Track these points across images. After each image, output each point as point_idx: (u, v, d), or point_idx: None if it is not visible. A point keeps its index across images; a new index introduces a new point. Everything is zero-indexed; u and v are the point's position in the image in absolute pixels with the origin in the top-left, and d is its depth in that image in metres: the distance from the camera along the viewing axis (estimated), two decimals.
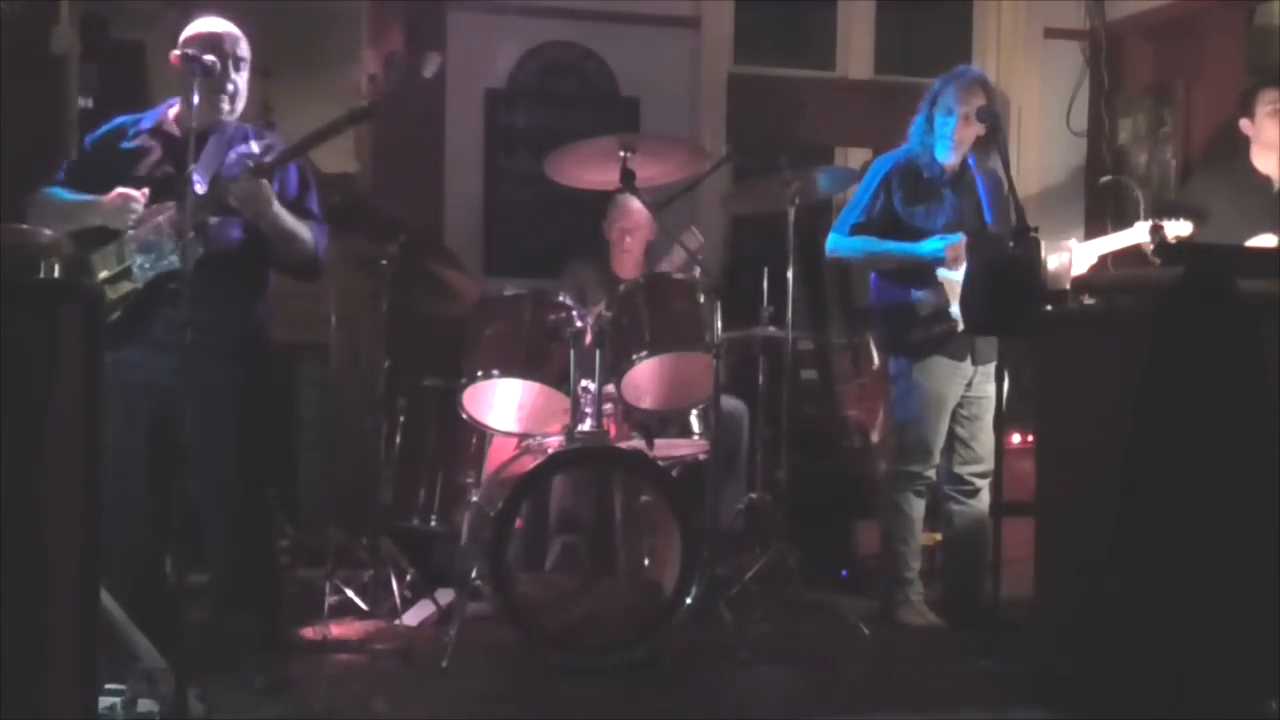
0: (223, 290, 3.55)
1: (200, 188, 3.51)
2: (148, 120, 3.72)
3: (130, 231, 3.53)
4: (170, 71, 3.58)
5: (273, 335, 3.82)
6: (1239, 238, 4.28)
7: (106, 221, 3.53)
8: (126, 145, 3.66)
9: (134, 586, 3.40)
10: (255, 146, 3.67)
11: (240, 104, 3.70)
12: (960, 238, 4.22)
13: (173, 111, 3.71)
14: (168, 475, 3.46)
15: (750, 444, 4.75)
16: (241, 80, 3.66)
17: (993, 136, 4.22)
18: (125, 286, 3.53)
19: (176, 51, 3.54)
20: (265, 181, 3.50)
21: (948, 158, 4.37)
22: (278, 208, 3.54)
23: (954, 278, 4.25)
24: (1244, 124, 4.66)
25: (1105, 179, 5.59)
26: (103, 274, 3.53)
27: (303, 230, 3.63)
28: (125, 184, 3.53)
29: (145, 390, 3.45)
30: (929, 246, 4.28)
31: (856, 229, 4.39)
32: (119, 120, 3.75)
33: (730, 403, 4.59)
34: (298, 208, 3.66)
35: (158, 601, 3.37)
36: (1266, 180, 4.61)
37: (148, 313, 3.51)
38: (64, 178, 3.69)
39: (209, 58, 3.47)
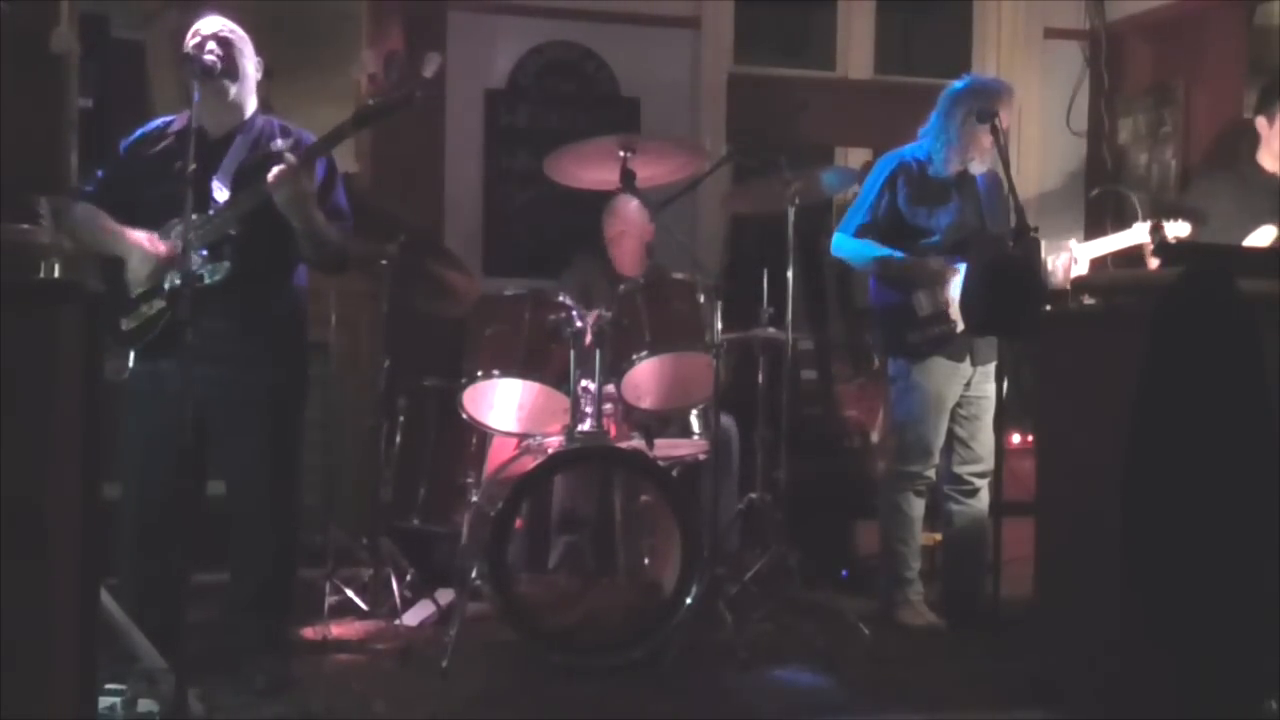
0: (251, 293, 3.54)
1: (223, 194, 3.50)
2: (178, 122, 3.64)
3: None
4: (171, 72, 3.57)
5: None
6: (1245, 236, 4.28)
7: (129, 262, 3.47)
8: (155, 150, 3.59)
9: (154, 588, 3.41)
10: (282, 144, 3.61)
11: (253, 95, 3.64)
12: (960, 268, 4.20)
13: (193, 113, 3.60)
14: (194, 478, 3.45)
15: (748, 446, 4.74)
16: (249, 67, 3.60)
17: (993, 138, 4.21)
18: (159, 304, 3.48)
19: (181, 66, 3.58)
20: (307, 184, 3.43)
21: (967, 164, 4.37)
22: (314, 208, 3.48)
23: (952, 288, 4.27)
24: (1260, 122, 4.63)
25: (1097, 190, 5.58)
26: (137, 290, 3.50)
27: (332, 232, 3.56)
28: (151, 189, 3.48)
29: (179, 397, 3.25)
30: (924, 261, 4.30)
31: (862, 229, 4.39)
32: (154, 124, 3.69)
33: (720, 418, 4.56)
34: (324, 202, 3.58)
35: (163, 602, 3.37)
36: (1272, 178, 4.59)
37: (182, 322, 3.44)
38: (97, 187, 3.64)
39: (208, 58, 3.45)
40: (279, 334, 3.66)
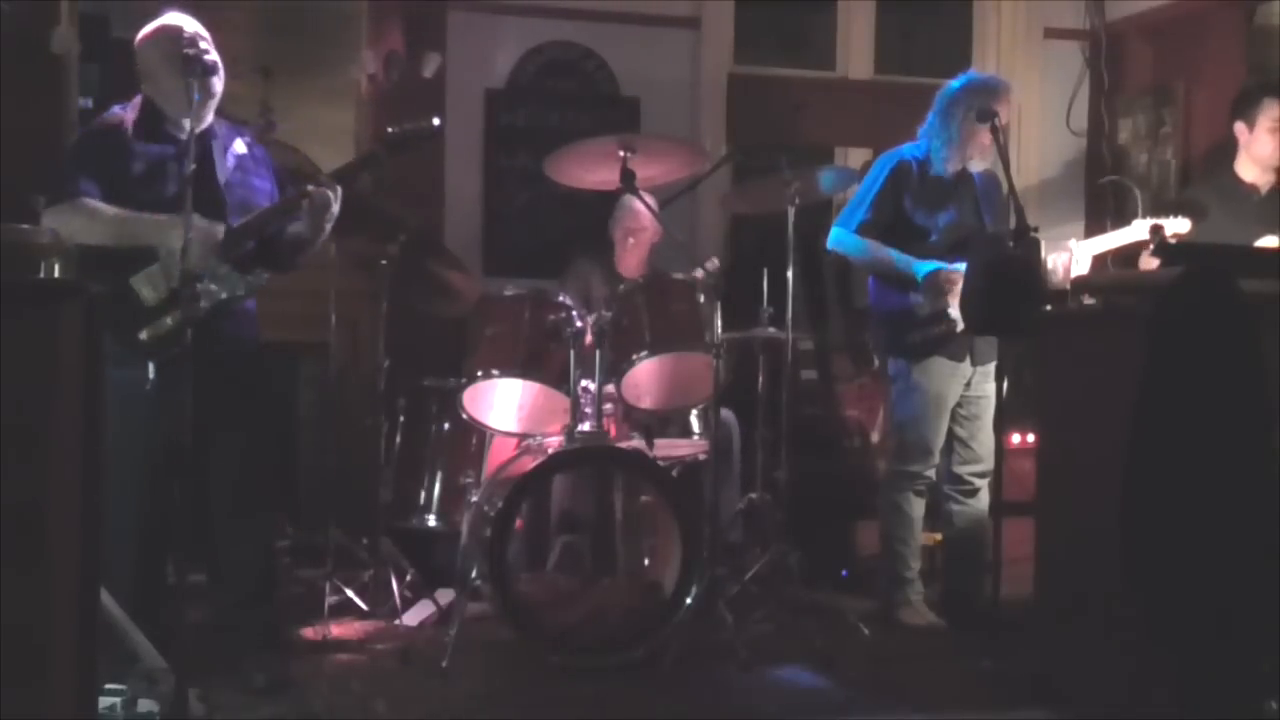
0: (251, 299, 3.56)
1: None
2: (129, 116, 3.55)
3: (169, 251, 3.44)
4: (173, 74, 3.53)
5: (271, 335, 3.80)
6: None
7: (164, 241, 3.38)
8: (133, 149, 3.51)
9: (140, 587, 3.41)
10: (242, 146, 3.64)
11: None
12: (959, 269, 4.21)
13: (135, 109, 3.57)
14: (174, 477, 3.45)
15: (748, 445, 4.74)
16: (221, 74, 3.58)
17: (993, 137, 4.21)
18: (178, 315, 3.36)
19: (143, 38, 3.52)
20: (335, 204, 3.49)
21: (966, 162, 4.37)
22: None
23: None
24: (1238, 127, 4.58)
25: (1104, 179, 5.60)
26: (153, 300, 3.43)
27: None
28: (150, 191, 3.45)
29: (175, 397, 3.22)
30: (926, 267, 4.30)
31: (863, 227, 4.39)
32: (108, 117, 3.59)
33: (721, 412, 4.56)
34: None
35: (158, 601, 3.38)
36: (1251, 188, 4.57)
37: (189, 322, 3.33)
38: (84, 184, 3.50)
39: (210, 57, 3.44)
40: (251, 334, 3.68)
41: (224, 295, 3.47)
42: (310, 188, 3.48)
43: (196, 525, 3.51)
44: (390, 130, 3.62)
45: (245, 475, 3.60)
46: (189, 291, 3.18)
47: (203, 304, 3.37)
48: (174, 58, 3.39)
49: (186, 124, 3.27)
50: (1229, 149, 4.70)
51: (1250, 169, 4.57)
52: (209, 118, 3.57)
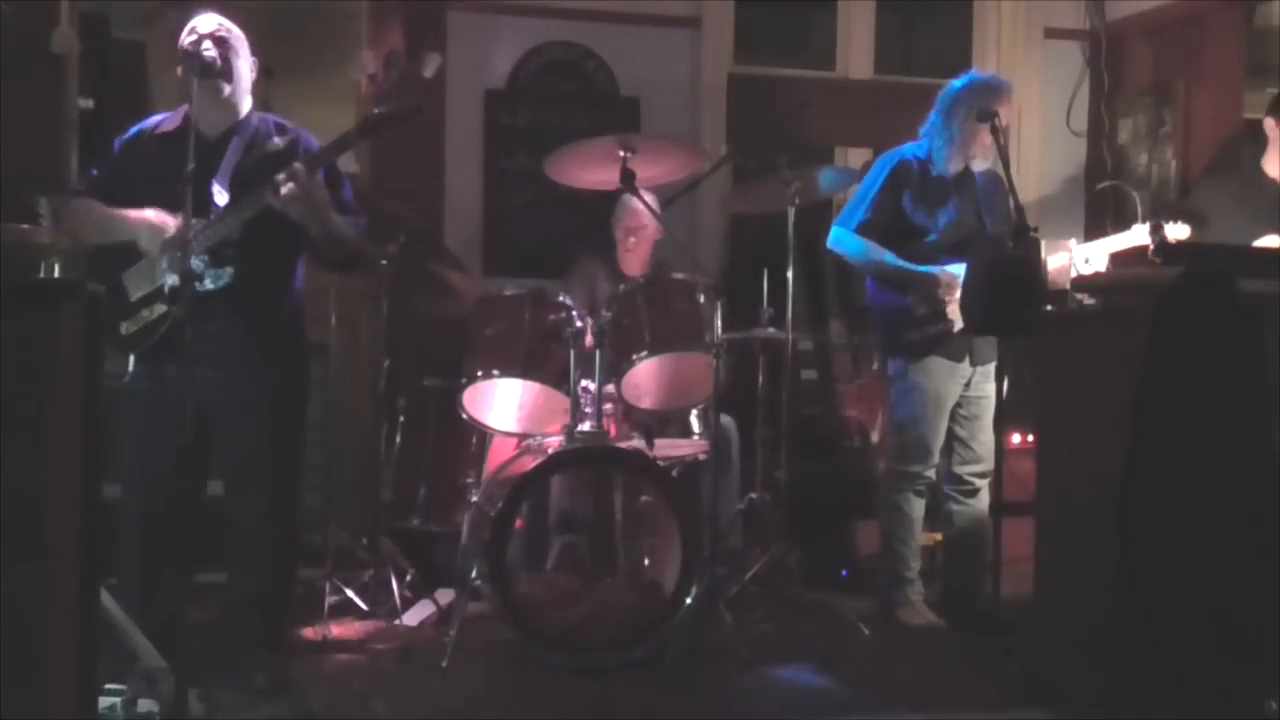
0: (255, 296, 3.53)
1: (222, 197, 3.48)
2: (170, 122, 3.63)
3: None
4: (173, 73, 3.57)
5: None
6: (1244, 240, 4.27)
7: (139, 240, 3.47)
8: (151, 149, 3.58)
9: (154, 588, 3.43)
10: (279, 142, 3.62)
11: (247, 95, 3.63)
12: (958, 274, 4.21)
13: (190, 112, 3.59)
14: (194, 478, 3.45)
15: (749, 446, 4.74)
16: (244, 67, 3.59)
17: (993, 137, 4.21)
18: (160, 308, 3.45)
19: (179, 65, 3.54)
20: (319, 193, 3.44)
21: (968, 162, 4.37)
22: (332, 212, 3.50)
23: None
24: (1269, 124, 4.63)
25: (1103, 185, 5.60)
26: (136, 295, 3.48)
27: (350, 230, 3.60)
28: (155, 190, 3.46)
29: (179, 401, 3.20)
30: (922, 271, 4.30)
31: (862, 227, 4.39)
32: (147, 122, 3.68)
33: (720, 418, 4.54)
34: (335, 203, 3.57)
35: (163, 602, 3.37)
36: (1274, 183, 4.60)
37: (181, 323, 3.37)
38: (92, 184, 3.64)
39: (208, 54, 3.45)
40: (281, 336, 3.66)
41: (177, 283, 3.39)
42: (279, 176, 3.40)
43: (214, 523, 3.52)
44: (376, 111, 3.63)
45: (265, 473, 3.58)
46: (188, 288, 3.18)
47: (169, 295, 3.41)
48: (179, 54, 3.47)
49: (202, 122, 3.36)
50: (1251, 142, 4.71)
51: (1276, 167, 4.60)
52: (241, 112, 3.60)
